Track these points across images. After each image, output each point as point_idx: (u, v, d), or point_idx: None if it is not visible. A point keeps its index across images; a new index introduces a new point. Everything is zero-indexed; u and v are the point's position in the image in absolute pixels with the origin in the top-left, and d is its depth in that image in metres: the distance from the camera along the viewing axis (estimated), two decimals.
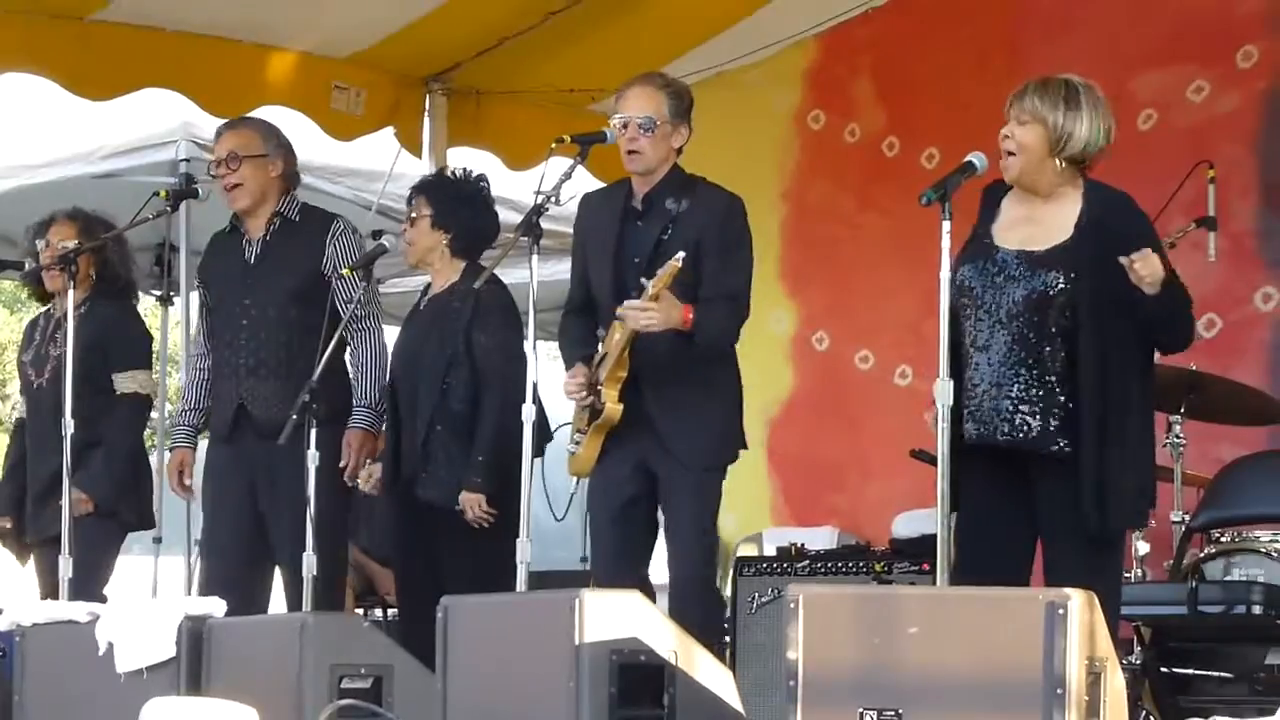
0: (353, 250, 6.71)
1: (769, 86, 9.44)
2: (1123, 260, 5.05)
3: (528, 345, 5.83)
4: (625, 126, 6.06)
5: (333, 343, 6.40)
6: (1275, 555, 6.52)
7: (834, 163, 9.30)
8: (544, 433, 6.17)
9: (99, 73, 7.90)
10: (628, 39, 8.58)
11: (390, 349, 6.79)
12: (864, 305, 9.09)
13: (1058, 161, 5.27)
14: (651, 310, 5.78)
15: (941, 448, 5.01)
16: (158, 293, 9.54)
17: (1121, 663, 4.56)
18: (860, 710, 4.35)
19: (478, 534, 6.42)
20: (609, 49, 8.52)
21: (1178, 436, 6.95)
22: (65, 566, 6.58)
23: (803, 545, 7.73)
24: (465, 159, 8.84)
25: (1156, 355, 7.62)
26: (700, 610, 5.83)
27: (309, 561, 6.17)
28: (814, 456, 9.19)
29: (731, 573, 7.65)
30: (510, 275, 6.72)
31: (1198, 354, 7.50)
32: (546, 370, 6.25)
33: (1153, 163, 7.63)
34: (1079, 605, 4.17)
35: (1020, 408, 5.21)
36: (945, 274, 5.05)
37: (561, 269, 6.54)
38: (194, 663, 5.55)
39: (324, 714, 5.07)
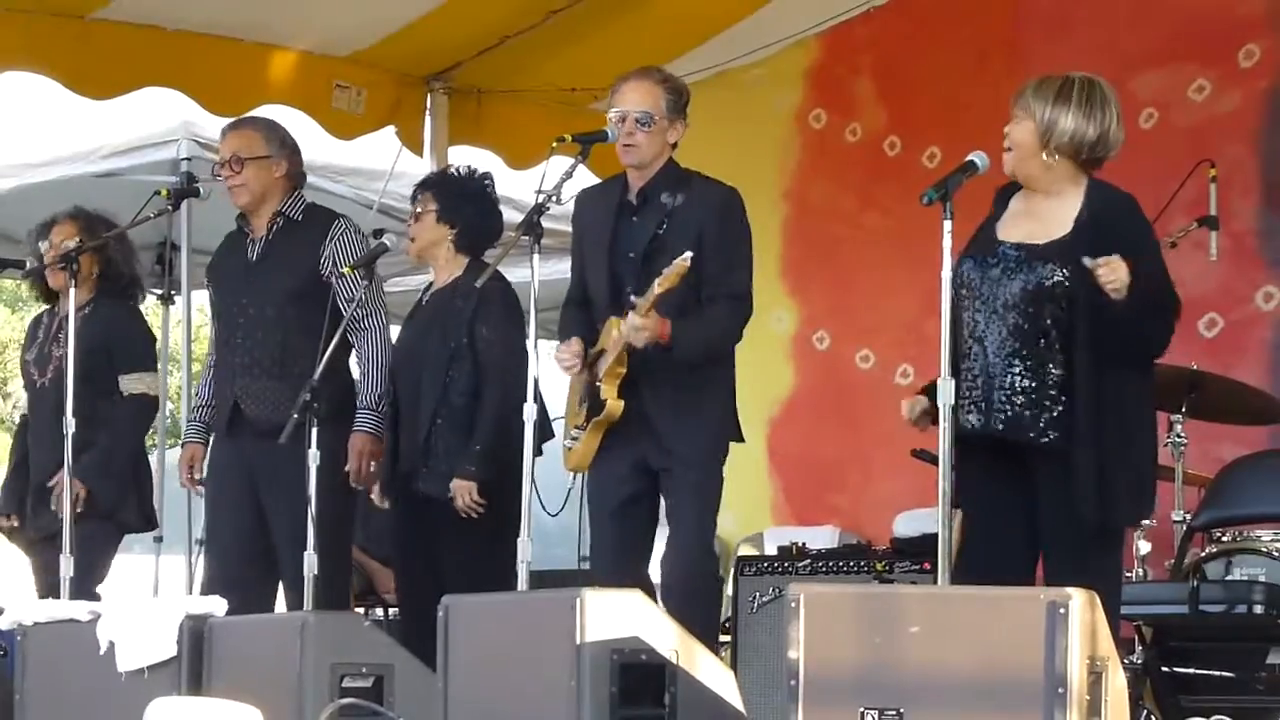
0: (353, 250, 6.70)
1: (770, 86, 9.44)
2: (1087, 263, 5.05)
3: (529, 343, 5.83)
4: (622, 120, 6.07)
5: (334, 342, 6.40)
6: (1276, 555, 6.52)
7: (835, 162, 9.30)
8: (545, 431, 6.17)
9: (100, 72, 7.90)
10: (629, 38, 8.58)
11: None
12: (865, 304, 9.09)
13: (1047, 155, 5.27)
14: (645, 325, 5.80)
15: (943, 447, 5.01)
16: (159, 292, 9.54)
17: (1123, 662, 4.55)
18: (861, 709, 4.35)
19: (478, 531, 6.42)
20: (610, 48, 8.51)
21: (1179, 436, 6.95)
22: (66, 565, 6.58)
23: (804, 544, 7.72)
24: (466, 158, 8.84)
25: None
26: (699, 609, 5.82)
27: (310, 561, 6.16)
28: (815, 456, 9.20)
29: (732, 572, 7.64)
30: (511, 274, 6.72)
31: (1199, 353, 7.53)
32: (548, 368, 6.24)
33: (1154, 162, 7.63)
34: (1080, 604, 4.18)
35: (1015, 399, 5.21)
36: (946, 273, 5.05)
37: (562, 268, 6.54)
38: (195, 662, 5.55)
39: (325, 713, 5.07)
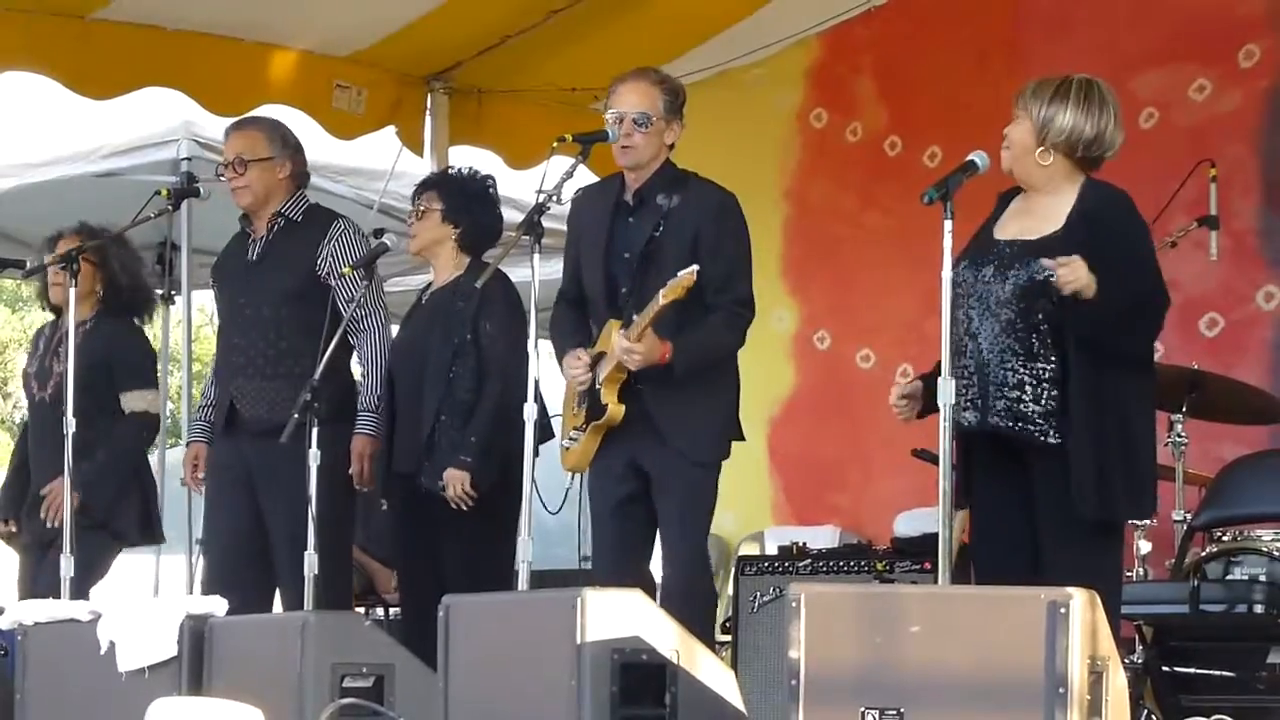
0: (351, 251, 6.71)
1: (771, 85, 9.45)
2: (1046, 263, 5.06)
3: (530, 343, 5.83)
4: (619, 121, 6.07)
5: (334, 342, 6.41)
6: (1277, 554, 6.51)
7: (836, 162, 9.30)
8: (545, 432, 6.17)
9: (100, 71, 7.90)
10: (629, 38, 8.58)
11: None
12: (865, 304, 9.09)
13: (1043, 153, 5.28)
14: (636, 350, 5.80)
15: (943, 447, 5.01)
16: (159, 292, 9.54)
17: (1123, 662, 4.55)
18: (862, 709, 4.35)
19: (479, 530, 6.43)
20: (610, 48, 8.51)
21: (1179, 435, 6.95)
22: (66, 565, 6.57)
23: (804, 544, 7.72)
24: (467, 158, 8.85)
25: (1158, 354, 7.65)
26: (692, 608, 5.82)
27: (310, 560, 6.16)
28: (815, 455, 9.20)
29: (733, 572, 7.65)
30: (511, 274, 6.73)
31: (1199, 353, 7.54)
32: (548, 368, 6.24)
33: (1154, 162, 7.63)
34: (1081, 604, 4.17)
35: (1009, 394, 5.21)
36: (947, 273, 5.05)
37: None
38: (195, 662, 5.55)
39: (325, 713, 5.07)
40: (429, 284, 6.88)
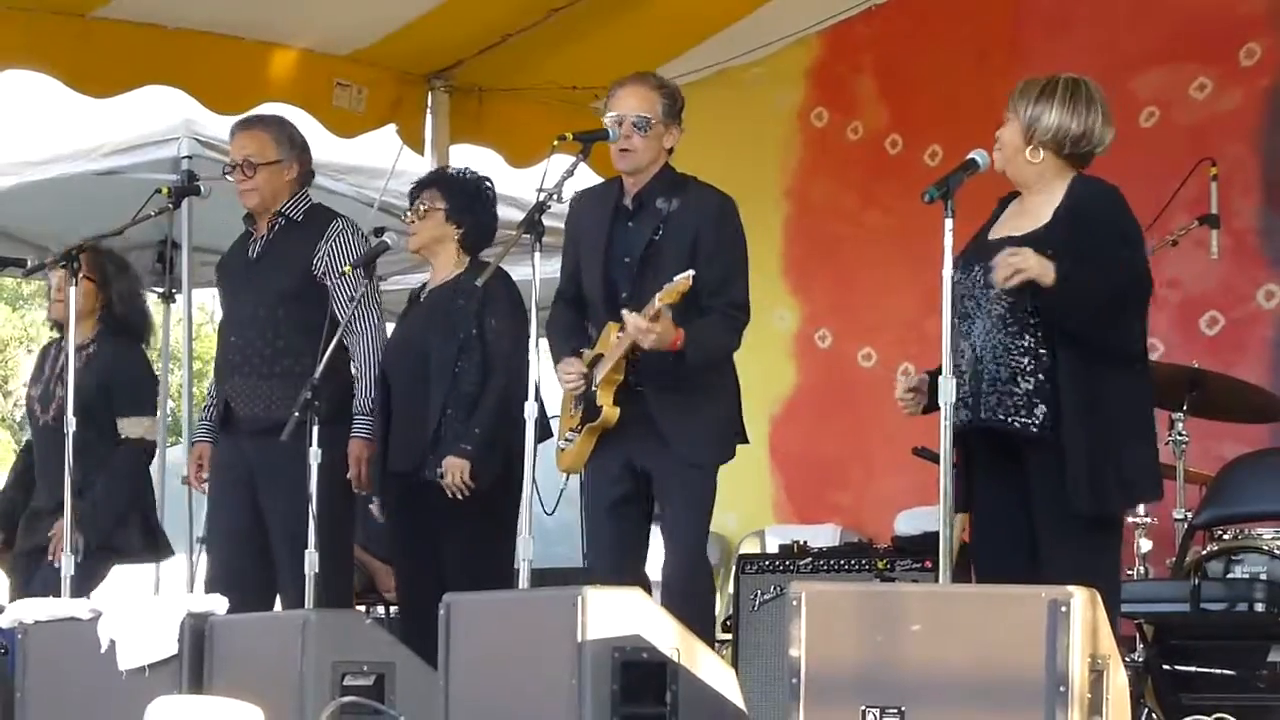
0: (348, 251, 6.70)
1: (771, 84, 9.44)
2: (997, 261, 5.07)
3: (531, 341, 5.82)
4: (619, 124, 6.07)
5: (333, 342, 6.41)
6: (1278, 553, 6.51)
7: (836, 160, 9.30)
8: (544, 430, 6.17)
9: (101, 70, 7.90)
10: (630, 37, 8.58)
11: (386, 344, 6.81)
12: (867, 303, 9.09)
13: (1031, 152, 5.30)
14: (653, 329, 5.79)
15: (944, 445, 5.01)
16: (160, 290, 9.54)
17: (1124, 660, 4.55)
18: (863, 708, 4.35)
19: (478, 527, 6.43)
20: (611, 47, 8.52)
21: (1180, 434, 6.95)
22: (67, 564, 6.57)
23: (805, 543, 7.73)
24: (467, 156, 8.86)
25: (1158, 352, 7.65)
26: (692, 607, 5.83)
27: (310, 559, 6.16)
28: (816, 454, 9.20)
29: (734, 570, 7.65)
30: (512, 273, 6.73)
31: (1200, 351, 7.54)
32: (548, 367, 6.25)
33: (1155, 160, 7.64)
34: (1081, 603, 4.17)
35: (1000, 388, 5.23)
36: (948, 271, 5.05)
37: None
38: (196, 660, 5.55)
39: (326, 711, 5.07)
40: (424, 283, 6.89)
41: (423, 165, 8.81)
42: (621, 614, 4.70)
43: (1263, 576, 6.45)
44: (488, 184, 6.87)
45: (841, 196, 9.27)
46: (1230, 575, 6.56)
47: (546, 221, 5.88)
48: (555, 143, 5.98)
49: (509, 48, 8.83)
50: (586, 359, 6.07)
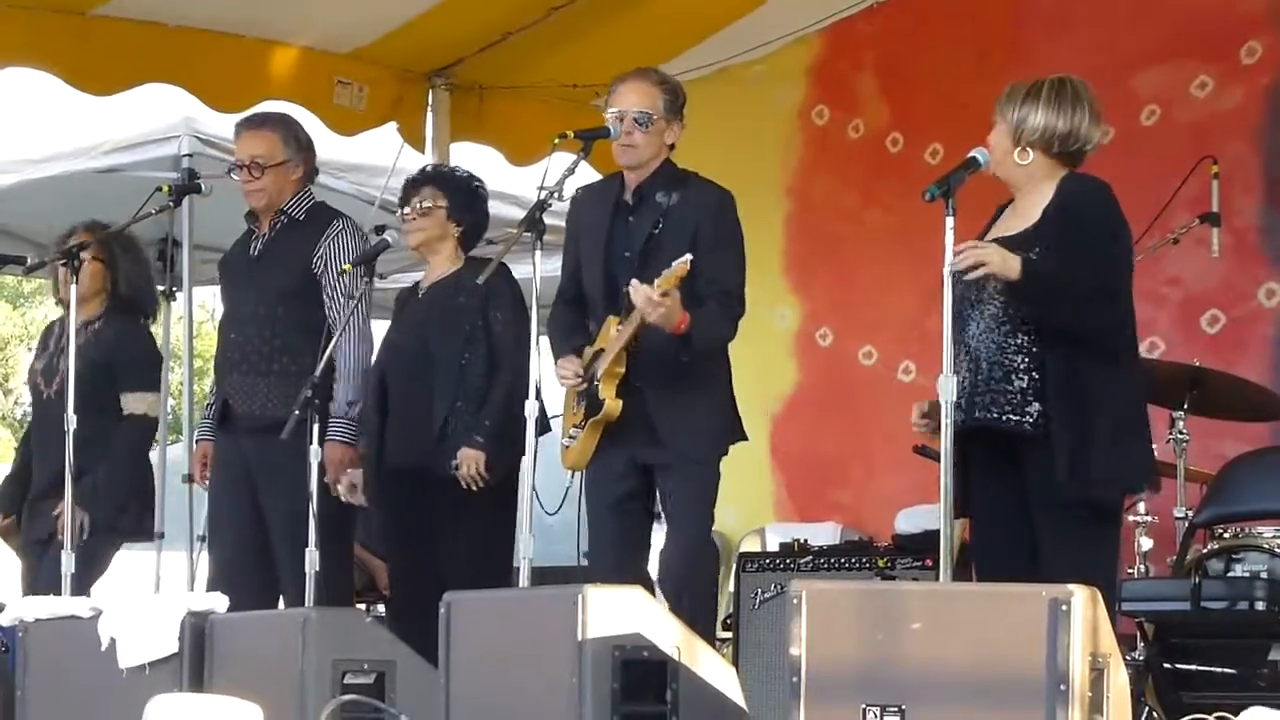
0: (346, 249, 6.70)
1: (772, 82, 9.44)
2: (962, 245, 5.11)
3: (532, 339, 5.82)
4: (620, 120, 6.08)
5: (333, 341, 6.40)
6: (1278, 551, 6.51)
7: (837, 158, 9.30)
8: (543, 425, 6.17)
9: (101, 68, 7.90)
10: (630, 35, 8.58)
11: (380, 343, 6.80)
12: (867, 301, 9.09)
13: (1020, 153, 5.33)
14: (664, 304, 5.78)
15: (945, 444, 5.01)
16: (160, 288, 9.54)
17: (1124, 659, 4.55)
18: (863, 706, 4.34)
19: (478, 525, 6.43)
20: (612, 45, 8.51)
21: (1181, 432, 6.94)
22: (68, 563, 6.57)
23: (806, 541, 7.73)
24: (468, 154, 8.86)
25: (1159, 350, 7.65)
26: (693, 602, 5.83)
27: (311, 557, 6.16)
28: (817, 452, 9.20)
29: (734, 568, 7.65)
30: (513, 271, 6.73)
31: (1201, 350, 7.53)
32: (549, 365, 6.25)
33: (1156, 159, 7.64)
34: (1082, 601, 4.17)
35: (994, 386, 5.24)
36: (948, 270, 5.06)
37: None
38: (196, 658, 5.55)
39: (327, 710, 5.07)
40: (415, 283, 6.89)
41: (423, 163, 8.80)
42: (622, 612, 4.70)
43: (1263, 575, 6.46)
44: (479, 183, 6.91)
45: (842, 195, 9.27)
46: (1231, 574, 6.56)
47: (547, 220, 5.88)
48: (556, 141, 5.99)
49: (510, 46, 8.83)
50: (586, 357, 6.08)
